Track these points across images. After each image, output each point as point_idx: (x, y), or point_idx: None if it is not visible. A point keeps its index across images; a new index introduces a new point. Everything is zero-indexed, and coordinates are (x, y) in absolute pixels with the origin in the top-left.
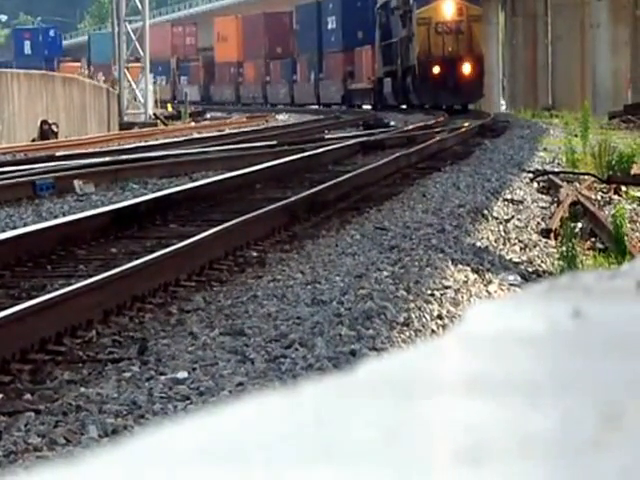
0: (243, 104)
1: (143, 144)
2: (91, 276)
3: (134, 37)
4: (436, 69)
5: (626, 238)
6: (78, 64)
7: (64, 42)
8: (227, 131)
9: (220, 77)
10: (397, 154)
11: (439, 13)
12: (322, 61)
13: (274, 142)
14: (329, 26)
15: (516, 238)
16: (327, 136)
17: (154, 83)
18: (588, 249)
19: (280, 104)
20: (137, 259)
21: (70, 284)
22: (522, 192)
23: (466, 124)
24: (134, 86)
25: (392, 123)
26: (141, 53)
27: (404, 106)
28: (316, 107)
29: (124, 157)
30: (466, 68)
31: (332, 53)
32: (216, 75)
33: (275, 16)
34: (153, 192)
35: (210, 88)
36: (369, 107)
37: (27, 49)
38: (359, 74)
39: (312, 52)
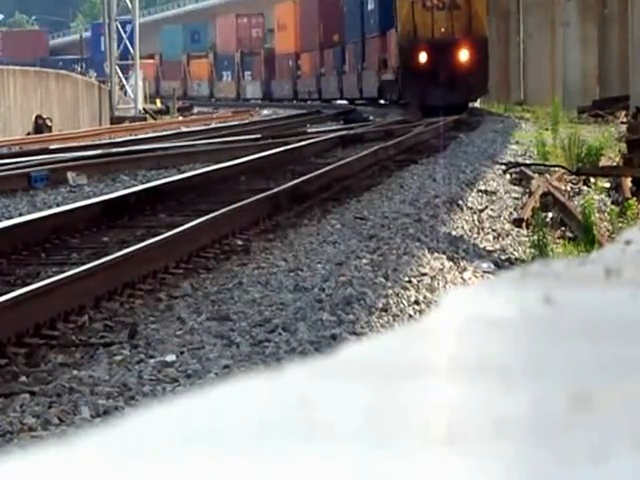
0: (300, 100)
1: (133, 137)
2: (83, 264)
3: (124, 35)
4: (422, 57)
5: (594, 227)
6: (152, 61)
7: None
8: (213, 125)
9: (280, 71)
10: (376, 147)
11: None
12: (364, 48)
13: (258, 135)
14: (369, 7)
15: (489, 227)
16: (309, 130)
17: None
18: (558, 238)
19: (332, 99)
20: (127, 247)
21: (63, 271)
22: (495, 183)
23: (442, 118)
24: (124, 82)
25: (371, 117)
26: (131, 51)
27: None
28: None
29: (115, 150)
30: (464, 55)
31: (371, 38)
32: (276, 69)
33: None
34: (143, 183)
35: (271, 84)
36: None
37: (103, 45)
38: (389, 63)
39: (357, 38)
